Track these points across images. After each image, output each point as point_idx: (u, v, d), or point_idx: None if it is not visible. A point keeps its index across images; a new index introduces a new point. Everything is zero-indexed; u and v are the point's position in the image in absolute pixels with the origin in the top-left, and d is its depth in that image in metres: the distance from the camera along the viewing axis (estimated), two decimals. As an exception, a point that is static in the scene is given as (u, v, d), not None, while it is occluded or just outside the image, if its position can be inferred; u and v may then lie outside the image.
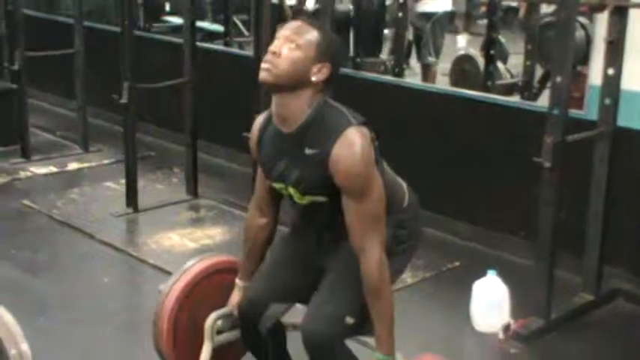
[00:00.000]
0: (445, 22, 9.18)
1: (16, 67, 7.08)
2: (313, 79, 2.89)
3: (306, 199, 3.03)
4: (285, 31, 2.91)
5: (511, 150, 5.29)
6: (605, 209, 4.63)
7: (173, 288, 3.41)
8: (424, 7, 8.76)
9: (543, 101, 5.77)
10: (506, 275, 4.51)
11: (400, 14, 7.88)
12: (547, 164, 4.24)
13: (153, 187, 6.62)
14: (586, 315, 4.68)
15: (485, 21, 8.67)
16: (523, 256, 5.04)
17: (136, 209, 6.10)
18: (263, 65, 2.88)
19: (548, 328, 4.44)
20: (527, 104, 6.32)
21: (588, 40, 5.63)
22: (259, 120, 3.15)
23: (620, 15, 4.44)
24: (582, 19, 6.05)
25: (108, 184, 6.69)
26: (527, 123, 5.20)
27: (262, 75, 2.87)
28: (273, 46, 2.88)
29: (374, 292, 2.92)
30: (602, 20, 4.59)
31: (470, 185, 5.61)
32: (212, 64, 6.99)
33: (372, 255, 2.90)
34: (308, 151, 2.91)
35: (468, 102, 5.82)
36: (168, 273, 4.89)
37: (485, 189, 5.52)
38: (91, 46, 7.45)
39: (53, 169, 7.12)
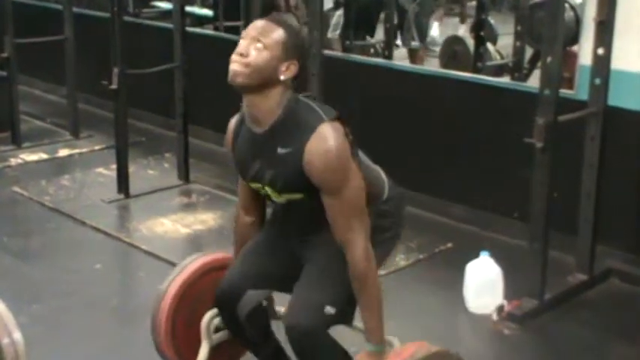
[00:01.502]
0: (429, 5, 9.12)
1: (5, 54, 7.04)
2: (281, 77, 2.87)
3: (284, 198, 3.02)
4: (251, 31, 2.89)
5: (502, 131, 5.27)
6: (598, 189, 4.62)
7: (169, 288, 3.39)
8: None
9: (534, 81, 5.74)
10: (499, 256, 4.49)
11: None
12: (539, 145, 4.23)
13: (144, 173, 6.59)
14: (580, 295, 4.67)
15: (474, 2, 8.62)
16: (516, 236, 5.03)
17: (127, 195, 6.07)
18: (231, 66, 2.86)
19: (541, 308, 4.43)
20: (518, 85, 6.28)
21: (578, 21, 5.60)
22: (233, 122, 3.14)
23: (610, -6, 4.42)
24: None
25: (99, 170, 6.65)
26: (518, 104, 5.18)
27: (231, 76, 2.86)
28: (240, 47, 2.86)
29: (361, 283, 2.92)
30: (592, 0, 4.57)
31: (462, 167, 5.59)
32: (202, 49, 6.94)
33: (357, 246, 2.89)
34: (281, 150, 2.90)
35: (459, 83, 5.80)
36: (161, 259, 4.92)
37: (478, 170, 5.50)
38: (80, 33, 7.41)
39: (44, 155, 7.08)
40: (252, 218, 3.30)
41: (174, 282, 3.40)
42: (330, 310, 2.96)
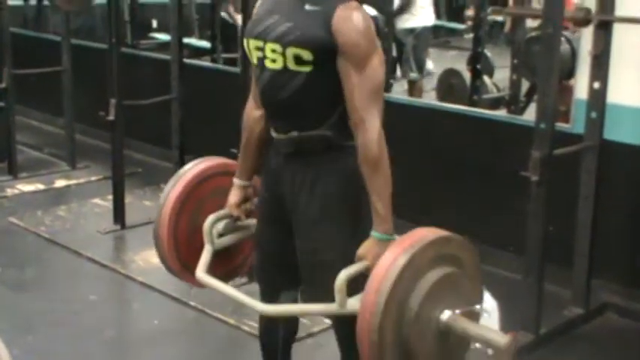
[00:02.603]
0: (427, 38, 9.18)
1: (3, 85, 7.04)
2: None
3: (283, 59, 2.90)
4: None
5: (498, 164, 5.27)
6: (594, 222, 4.61)
7: (169, 194, 3.32)
8: (406, 23, 8.75)
9: (530, 115, 5.76)
10: (494, 289, 4.45)
11: (385, 30, 7.87)
12: (534, 178, 4.23)
13: (140, 204, 6.57)
14: (576, 329, 4.65)
15: (471, 35, 8.68)
16: (512, 270, 5.01)
17: (123, 226, 6.05)
18: None
19: (537, 342, 4.42)
20: (514, 118, 6.31)
21: (574, 54, 5.62)
22: None
23: (605, 29, 4.44)
24: (567, 33, 6.05)
25: (95, 200, 6.64)
26: (514, 137, 5.18)
27: None
28: None
29: (373, 164, 2.87)
30: (588, 34, 4.59)
31: (458, 199, 5.58)
32: (199, 81, 6.96)
33: (372, 126, 2.85)
34: (308, 7, 2.86)
35: (455, 116, 5.81)
36: (156, 290, 4.89)
37: (473, 203, 5.49)
38: (78, 64, 7.42)
39: (40, 186, 7.07)
40: (261, 112, 3.18)
41: (175, 188, 3.32)
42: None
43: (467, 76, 8.05)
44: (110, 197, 6.19)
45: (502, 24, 10.70)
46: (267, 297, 3.25)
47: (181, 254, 3.35)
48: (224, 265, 3.37)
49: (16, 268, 5.44)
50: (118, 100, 5.82)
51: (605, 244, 4.74)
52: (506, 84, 7.74)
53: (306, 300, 3.14)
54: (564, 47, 5.62)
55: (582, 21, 4.52)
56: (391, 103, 6.34)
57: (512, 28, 8.64)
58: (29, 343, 4.35)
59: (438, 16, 12.99)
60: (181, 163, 6.24)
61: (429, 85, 8.94)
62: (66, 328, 4.60)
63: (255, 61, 3.03)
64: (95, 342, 4.48)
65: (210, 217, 3.25)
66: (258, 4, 3.12)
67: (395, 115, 6.02)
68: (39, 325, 4.62)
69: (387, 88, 7.55)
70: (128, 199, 6.22)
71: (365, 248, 2.89)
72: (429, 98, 8.29)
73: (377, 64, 2.85)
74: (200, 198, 3.35)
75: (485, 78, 7.98)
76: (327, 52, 2.83)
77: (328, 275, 2.89)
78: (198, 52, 9.11)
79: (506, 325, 4.40)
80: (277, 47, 2.90)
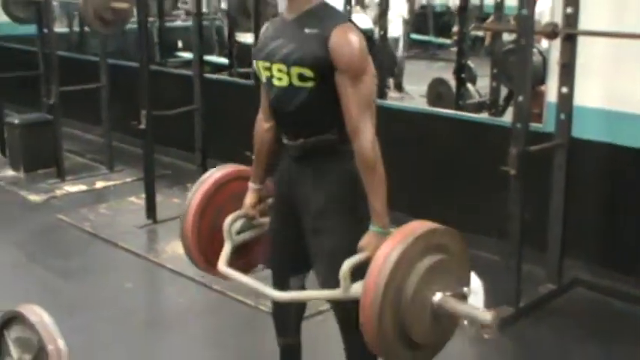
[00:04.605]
0: (394, 45, 9.12)
1: (52, 101, 7.06)
2: None
3: (289, 77, 2.90)
4: None
5: (482, 160, 5.25)
6: (565, 209, 4.60)
7: (191, 203, 3.31)
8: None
9: (508, 117, 5.73)
10: (480, 270, 4.44)
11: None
12: (513, 172, 4.23)
13: (170, 201, 6.55)
14: (550, 302, 4.65)
15: (456, 49, 8.64)
16: (494, 253, 4.99)
17: (155, 221, 6.05)
18: None
19: (518, 315, 4.41)
20: (494, 120, 6.29)
21: (545, 63, 5.60)
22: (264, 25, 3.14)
23: (570, 41, 4.42)
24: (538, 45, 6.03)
25: (131, 199, 6.63)
26: (494, 136, 5.16)
27: None
28: None
29: (369, 168, 2.83)
30: (556, 46, 4.57)
31: (446, 192, 5.57)
32: (218, 93, 6.95)
33: (366, 134, 2.82)
34: (308, 30, 2.85)
35: (443, 119, 5.80)
36: (185, 276, 4.89)
37: (460, 195, 5.48)
38: (114, 80, 7.42)
39: (84, 187, 7.07)
40: (270, 123, 3.18)
41: (195, 195, 3.32)
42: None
43: (453, 84, 8.03)
44: (143, 196, 6.18)
45: (483, 38, 10.67)
46: (278, 281, 3.24)
47: (204, 251, 3.35)
48: (242, 259, 3.36)
49: (63, 259, 5.45)
50: (149, 111, 5.82)
51: (575, 229, 4.72)
52: (487, 90, 7.72)
53: (318, 282, 3.11)
54: (537, 57, 5.58)
55: (551, 34, 4.50)
56: (385, 109, 6.33)
57: (491, 42, 8.62)
58: (74, 324, 4.33)
59: (427, 32, 13.01)
60: (204, 165, 6.26)
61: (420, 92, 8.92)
62: (106, 311, 4.60)
63: (264, 79, 3.02)
64: (132, 322, 4.49)
65: (229, 218, 3.25)
66: (263, 29, 3.11)
67: (390, 120, 6.03)
68: (82, 309, 4.62)
69: (382, 95, 7.56)
70: (159, 197, 6.21)
71: (365, 241, 2.85)
72: (423, 104, 8.25)
73: (368, 80, 2.83)
74: (219, 203, 3.34)
75: (469, 85, 7.95)
76: (325, 69, 2.81)
77: (332, 262, 2.88)
78: (218, 67, 9.09)
79: (490, 301, 4.41)
80: (283, 67, 2.90)
